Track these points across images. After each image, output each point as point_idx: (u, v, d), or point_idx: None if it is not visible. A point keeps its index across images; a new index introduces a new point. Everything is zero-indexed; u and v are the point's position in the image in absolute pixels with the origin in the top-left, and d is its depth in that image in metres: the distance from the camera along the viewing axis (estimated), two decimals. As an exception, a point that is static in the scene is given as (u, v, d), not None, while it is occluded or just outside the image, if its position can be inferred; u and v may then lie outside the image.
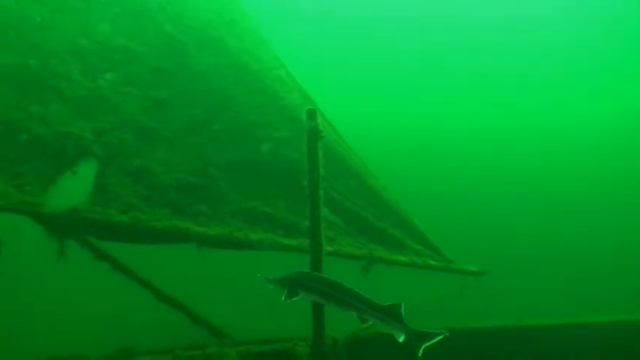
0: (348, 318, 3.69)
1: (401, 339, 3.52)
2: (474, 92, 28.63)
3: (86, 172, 7.45)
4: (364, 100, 28.09)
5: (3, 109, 6.96)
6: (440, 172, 24.12)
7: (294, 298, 3.61)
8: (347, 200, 8.01)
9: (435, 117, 27.48)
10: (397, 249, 7.47)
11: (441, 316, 7.27)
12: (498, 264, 7.85)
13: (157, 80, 8.80)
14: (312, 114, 5.04)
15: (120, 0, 8.82)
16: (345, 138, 9.03)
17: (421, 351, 3.52)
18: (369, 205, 7.98)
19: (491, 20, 28.98)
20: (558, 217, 21.97)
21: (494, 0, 28.94)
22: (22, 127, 6.98)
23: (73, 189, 7.11)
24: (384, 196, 8.16)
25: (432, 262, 7.37)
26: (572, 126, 26.96)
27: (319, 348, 4.88)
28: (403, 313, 3.53)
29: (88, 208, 6.31)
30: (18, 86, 7.44)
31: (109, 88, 8.23)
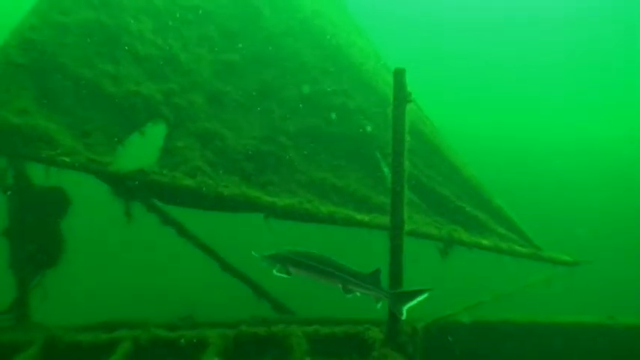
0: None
1: (379, 304, 3.62)
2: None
3: (154, 134, 7.24)
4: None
5: (75, 66, 6.79)
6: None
7: (285, 275, 3.75)
8: (424, 175, 7.38)
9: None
10: (479, 231, 6.79)
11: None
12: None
13: (228, 42, 8.43)
14: (400, 74, 4.43)
15: (194, -43, 8.44)
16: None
17: (405, 312, 3.56)
18: (448, 182, 7.31)
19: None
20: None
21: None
22: (92, 84, 6.80)
23: (140, 150, 6.92)
24: (464, 173, 7.45)
25: (519, 249, 6.64)
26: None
27: (395, 336, 4.37)
28: (381, 279, 3.63)
29: (155, 170, 6.05)
30: (91, 43, 7.26)
31: (181, 49, 7.94)
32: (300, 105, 8.01)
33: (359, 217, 6.32)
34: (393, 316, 4.41)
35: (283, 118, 7.81)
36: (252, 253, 3.96)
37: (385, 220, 6.43)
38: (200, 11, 8.50)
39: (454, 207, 7.00)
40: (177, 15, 8.24)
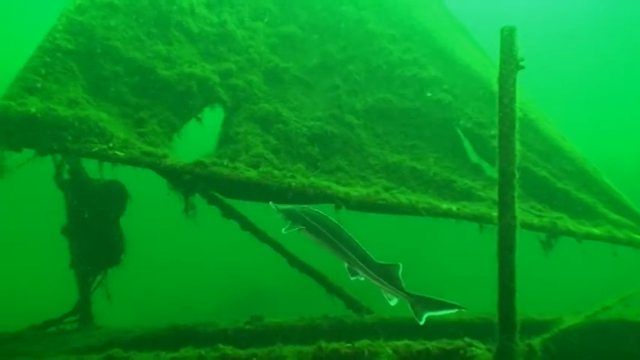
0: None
1: (393, 302, 3.31)
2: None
3: (212, 120, 6.66)
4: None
5: (125, 49, 6.26)
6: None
7: (294, 230, 3.49)
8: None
9: None
10: (588, 218, 5.80)
11: None
12: None
13: (286, 14, 7.68)
14: (509, 34, 3.53)
15: None
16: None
17: (424, 319, 3.21)
18: (545, 161, 6.31)
19: None
20: None
21: None
22: (144, 67, 6.26)
23: (198, 138, 6.37)
24: (565, 148, 6.42)
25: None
26: None
27: (508, 358, 3.58)
28: (400, 276, 3.26)
29: (215, 161, 5.45)
30: (142, 23, 6.70)
31: (236, 24, 7.26)
32: (368, 79, 7.20)
33: (444, 206, 5.49)
34: (506, 324, 3.62)
35: (349, 94, 7.04)
36: (270, 203, 3.74)
37: (474, 208, 5.60)
38: (254, -19, 7.78)
39: (554, 189, 6.02)
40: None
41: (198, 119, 6.50)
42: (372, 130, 6.80)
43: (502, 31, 3.55)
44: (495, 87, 7.06)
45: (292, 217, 3.54)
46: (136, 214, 6.52)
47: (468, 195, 5.96)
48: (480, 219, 5.41)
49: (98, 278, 6.66)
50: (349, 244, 3.39)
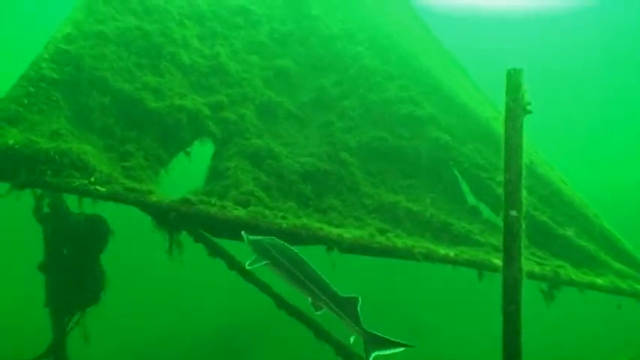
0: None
1: (352, 339, 3.30)
2: None
3: (201, 154, 6.42)
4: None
5: (114, 80, 6.06)
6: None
7: (259, 265, 3.52)
8: (515, 197, 6.20)
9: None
10: (590, 267, 5.57)
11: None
12: None
13: (280, 47, 7.57)
14: (515, 76, 3.36)
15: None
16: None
17: (372, 357, 3.20)
18: (545, 205, 6.12)
19: None
20: None
21: None
22: (133, 99, 6.05)
23: (185, 174, 6.13)
24: (565, 192, 6.24)
25: (643, 289, 5.38)
26: None
27: None
28: (359, 310, 3.25)
29: (203, 199, 5.19)
30: (133, 53, 6.54)
31: (229, 57, 7.12)
32: (363, 115, 7.03)
33: (442, 251, 5.24)
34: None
35: (344, 130, 6.86)
36: (242, 233, 3.77)
37: (473, 254, 5.37)
38: (249, 14, 7.69)
39: (555, 235, 5.81)
40: (224, 19, 7.44)
41: (187, 153, 6.26)
42: (366, 169, 6.59)
43: (508, 72, 3.38)
44: (493, 127, 6.98)
45: (259, 250, 3.54)
46: (116, 246, 6.21)
47: (466, 239, 5.73)
48: (479, 266, 5.17)
49: (75, 318, 6.28)
50: (313, 277, 3.36)
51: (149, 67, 6.50)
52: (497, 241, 5.79)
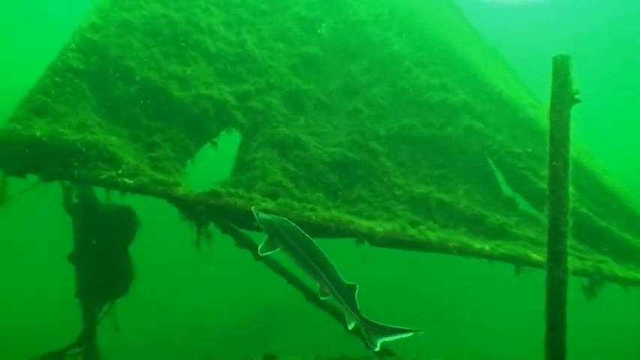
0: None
1: (350, 327, 3.26)
2: None
3: (228, 144, 6.32)
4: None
5: (140, 69, 5.98)
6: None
7: (271, 252, 3.45)
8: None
9: None
10: (634, 262, 5.29)
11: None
12: None
13: (307, 34, 7.37)
14: (562, 63, 3.12)
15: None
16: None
17: (379, 345, 3.17)
18: (586, 197, 5.83)
19: None
20: None
21: None
22: (159, 88, 5.96)
23: (212, 165, 6.04)
24: (607, 183, 5.93)
25: (692, 286, 5.08)
26: None
27: None
28: (357, 298, 3.24)
29: (230, 191, 5.08)
30: (159, 42, 6.45)
31: (255, 44, 6.96)
32: (393, 103, 6.81)
33: (477, 245, 5.03)
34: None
35: (373, 119, 6.66)
36: (253, 209, 3.71)
37: (510, 248, 5.14)
38: (275, 0, 7.50)
39: (597, 228, 5.53)
40: (251, 6, 7.27)
41: (214, 144, 6.17)
42: (396, 158, 6.39)
43: (555, 59, 3.14)
44: (530, 115, 6.69)
45: (270, 231, 3.51)
46: (143, 236, 6.19)
47: (501, 232, 5.50)
48: (516, 260, 4.95)
49: (104, 308, 6.30)
50: (321, 262, 3.33)
51: (175, 56, 6.40)
52: (535, 234, 5.56)
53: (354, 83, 6.99)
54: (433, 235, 5.04)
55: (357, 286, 3.28)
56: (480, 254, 4.96)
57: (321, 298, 3.39)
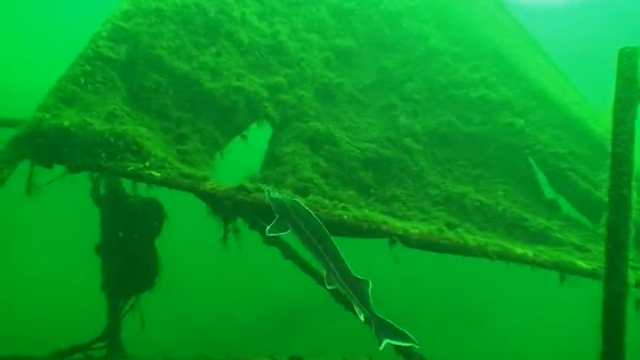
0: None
1: (361, 317, 3.22)
2: None
3: (258, 138, 6.15)
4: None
5: (171, 59, 5.84)
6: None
7: (280, 233, 3.37)
8: (601, 190, 5.58)
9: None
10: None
11: None
12: None
13: (342, 25, 7.13)
14: (629, 56, 2.82)
15: None
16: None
17: (383, 345, 3.15)
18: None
19: None
20: None
21: None
22: (190, 79, 5.82)
23: (241, 159, 5.87)
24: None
25: None
26: None
27: None
28: (370, 293, 3.17)
29: (259, 187, 4.90)
30: (190, 31, 6.30)
31: (288, 35, 6.75)
32: (429, 99, 6.54)
33: (519, 250, 4.74)
34: None
35: (408, 115, 6.40)
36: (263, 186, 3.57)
37: (554, 255, 4.83)
38: (310, -10, 7.27)
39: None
40: (285, -5, 7.06)
41: (244, 137, 6.00)
42: (432, 156, 6.13)
43: (621, 52, 2.84)
44: (575, 113, 6.32)
45: (280, 212, 3.39)
46: (170, 230, 6.09)
47: (543, 237, 5.20)
48: (561, 268, 4.64)
49: (130, 302, 6.22)
50: (330, 250, 3.26)
51: (206, 46, 6.24)
52: (579, 239, 5.24)
53: (388, 78, 6.74)
54: (471, 239, 4.77)
55: (370, 283, 3.20)
56: (521, 260, 4.67)
57: (328, 287, 3.32)
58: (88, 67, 5.27)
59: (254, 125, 6.16)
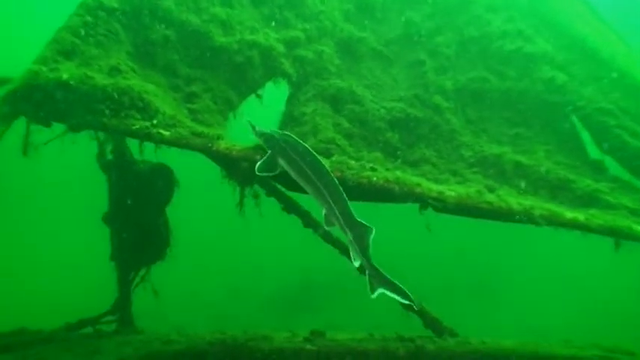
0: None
1: (356, 264, 3.09)
2: None
3: (275, 96, 5.67)
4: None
5: (179, 11, 5.33)
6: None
7: (270, 173, 3.17)
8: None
9: None
10: None
11: None
12: None
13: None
14: None
15: None
16: None
17: (376, 294, 3.04)
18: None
19: None
20: None
21: None
22: (199, 33, 5.32)
23: (257, 118, 5.40)
24: None
25: None
26: None
27: None
28: (370, 241, 2.99)
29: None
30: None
31: (306, -14, 6.19)
32: (460, 53, 6.00)
33: (569, 214, 4.25)
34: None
35: (437, 71, 5.89)
36: (248, 122, 3.45)
37: (608, 219, 4.34)
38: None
39: None
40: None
41: (259, 96, 5.52)
42: (464, 115, 5.63)
43: None
44: (623, 64, 5.75)
45: (271, 147, 3.17)
46: (182, 200, 5.69)
47: (592, 199, 4.70)
48: (617, 233, 4.16)
49: (140, 273, 5.87)
50: (331, 189, 3.02)
51: (218, -3, 5.71)
52: (632, 202, 4.74)
53: (415, 31, 6.19)
54: (515, 202, 4.29)
55: (374, 230, 3.00)
56: (572, 225, 4.19)
57: (325, 228, 3.13)
58: (89, 18, 4.79)
59: (270, 84, 5.68)
